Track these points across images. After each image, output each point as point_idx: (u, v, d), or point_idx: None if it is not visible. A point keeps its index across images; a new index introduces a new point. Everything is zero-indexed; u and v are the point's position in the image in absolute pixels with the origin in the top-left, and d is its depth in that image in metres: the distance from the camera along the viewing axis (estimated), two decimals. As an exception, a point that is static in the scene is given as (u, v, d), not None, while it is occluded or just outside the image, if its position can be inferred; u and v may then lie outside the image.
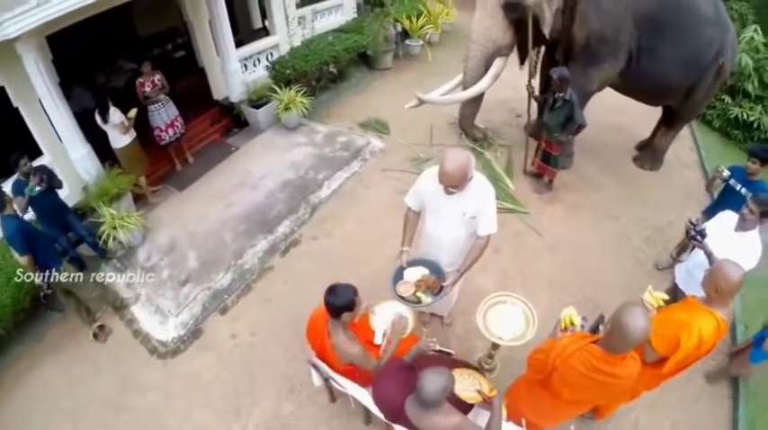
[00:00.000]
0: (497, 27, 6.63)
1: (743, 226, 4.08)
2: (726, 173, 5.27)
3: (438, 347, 3.63)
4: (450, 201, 3.73)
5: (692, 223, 4.19)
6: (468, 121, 8.02)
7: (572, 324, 3.28)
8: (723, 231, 4.18)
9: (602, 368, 2.72)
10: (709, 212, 5.46)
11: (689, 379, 4.81)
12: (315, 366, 3.77)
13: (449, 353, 4.12)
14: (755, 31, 9.99)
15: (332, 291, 3.32)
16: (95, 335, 5.45)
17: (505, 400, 3.76)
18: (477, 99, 7.37)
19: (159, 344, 5.36)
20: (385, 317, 3.99)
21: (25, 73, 5.79)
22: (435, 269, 4.07)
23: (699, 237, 4.08)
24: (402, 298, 3.91)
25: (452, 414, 2.91)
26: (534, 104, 7.26)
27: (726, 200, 5.25)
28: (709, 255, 3.99)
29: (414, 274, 4.03)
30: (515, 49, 7.16)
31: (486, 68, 6.96)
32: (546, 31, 6.32)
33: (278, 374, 4.91)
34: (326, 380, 3.92)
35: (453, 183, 3.48)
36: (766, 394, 4.85)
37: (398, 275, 4.07)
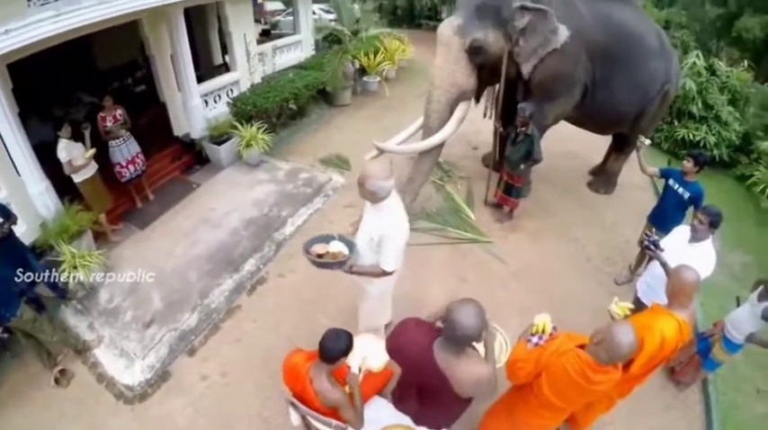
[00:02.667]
0: (462, 72, 6.54)
1: (695, 237, 4.41)
2: (647, 142, 6.08)
3: None
4: (367, 218, 4.04)
5: (646, 235, 4.67)
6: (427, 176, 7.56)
7: (543, 331, 3.40)
8: (678, 244, 4.49)
9: (588, 375, 2.89)
10: (654, 216, 6.03)
11: (661, 388, 5.13)
12: (293, 404, 3.74)
13: None
14: (697, 56, 10.96)
15: (333, 336, 3.30)
16: (57, 380, 5.21)
17: (484, 426, 3.92)
18: (438, 147, 7.14)
19: (125, 389, 5.17)
20: (359, 349, 4.03)
21: (-16, 102, 5.67)
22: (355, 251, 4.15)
23: (652, 247, 4.47)
24: (307, 253, 4.02)
25: (484, 362, 2.99)
26: (492, 138, 7.52)
27: (667, 200, 5.81)
28: (663, 265, 4.34)
29: (333, 246, 4.11)
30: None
31: (451, 113, 6.83)
32: (525, 70, 6.42)
33: (253, 415, 4.81)
34: (304, 417, 3.89)
35: (358, 186, 3.79)
36: (734, 393, 5.19)
37: (321, 239, 4.19)
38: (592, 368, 2.88)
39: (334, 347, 3.26)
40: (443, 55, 6.58)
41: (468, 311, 2.74)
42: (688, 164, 5.45)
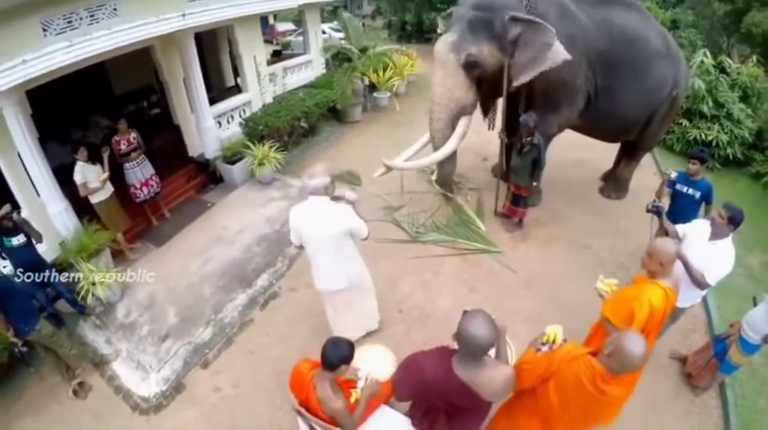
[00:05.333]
0: (460, 87, 6.59)
1: (715, 233, 4.41)
2: (673, 174, 5.84)
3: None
4: None
5: (654, 200, 5.04)
6: (448, 179, 7.96)
7: (554, 341, 3.36)
8: (699, 242, 4.48)
9: (598, 384, 2.86)
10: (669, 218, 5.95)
11: (677, 394, 5.07)
12: (300, 413, 3.82)
13: None
14: (705, 54, 10.88)
15: (331, 344, 3.39)
16: (75, 392, 5.40)
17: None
18: (452, 157, 7.30)
19: (141, 400, 5.33)
20: (366, 360, 4.14)
21: (5, 126, 5.96)
22: None
23: (655, 212, 4.94)
24: None
25: (502, 364, 3.06)
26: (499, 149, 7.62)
27: (677, 204, 5.81)
28: (667, 231, 4.73)
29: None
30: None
31: (453, 128, 6.92)
32: (514, 85, 6.39)
33: (263, 426, 4.91)
34: (312, 427, 3.97)
35: None
36: (754, 396, 5.10)
37: None
38: (604, 378, 2.85)
39: (334, 355, 3.34)
40: (441, 72, 6.65)
41: (478, 323, 2.76)
42: (694, 166, 5.52)
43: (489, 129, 8.03)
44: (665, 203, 5.68)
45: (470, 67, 6.44)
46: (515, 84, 6.38)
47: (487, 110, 7.62)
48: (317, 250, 4.66)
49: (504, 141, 7.40)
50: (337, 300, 5.16)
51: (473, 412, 3.12)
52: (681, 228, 4.74)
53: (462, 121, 6.92)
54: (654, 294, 3.56)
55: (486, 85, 6.78)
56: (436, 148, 7.10)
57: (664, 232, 4.93)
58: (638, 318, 3.52)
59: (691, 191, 5.60)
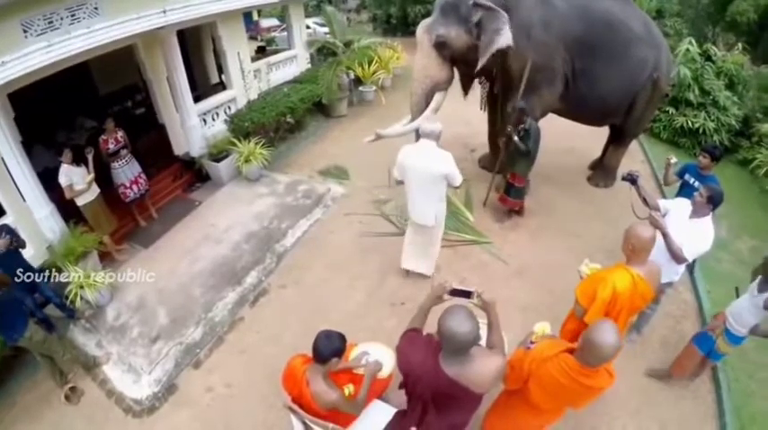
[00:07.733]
0: (433, 65, 7.00)
1: (696, 211, 4.48)
2: (674, 159, 5.95)
3: (455, 286, 3.32)
4: None
5: (630, 170, 5.15)
6: None
7: (543, 338, 3.40)
8: (679, 218, 4.57)
9: (578, 379, 2.86)
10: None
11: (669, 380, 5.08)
12: (292, 410, 3.81)
13: (468, 292, 3.36)
14: (690, 43, 10.96)
15: (323, 337, 3.41)
16: (67, 397, 5.37)
17: (485, 422, 3.88)
18: None
19: (134, 403, 5.30)
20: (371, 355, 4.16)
21: (-14, 131, 5.86)
22: None
23: (630, 180, 5.06)
24: None
25: (491, 353, 2.99)
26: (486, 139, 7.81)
27: (682, 194, 5.76)
28: (644, 199, 4.88)
29: None
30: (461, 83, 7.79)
31: (428, 103, 7.27)
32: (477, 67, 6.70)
33: (257, 424, 4.91)
34: (305, 423, 3.97)
35: None
36: (747, 380, 5.15)
37: None
38: (580, 372, 2.85)
39: (327, 347, 3.37)
40: (418, 51, 7.14)
41: (458, 320, 2.69)
42: (705, 160, 5.56)
43: (481, 109, 8.39)
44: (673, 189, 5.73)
45: (440, 46, 6.86)
46: (479, 65, 6.67)
47: (467, 89, 8.05)
48: (416, 185, 5.58)
49: (509, 136, 7.35)
50: (417, 235, 6.19)
51: (464, 403, 3.08)
52: (663, 203, 4.82)
53: (436, 97, 7.30)
54: (620, 278, 3.61)
55: (461, 65, 7.24)
56: (414, 119, 7.44)
57: (642, 200, 5.03)
58: (600, 297, 3.59)
59: (697, 184, 5.60)
